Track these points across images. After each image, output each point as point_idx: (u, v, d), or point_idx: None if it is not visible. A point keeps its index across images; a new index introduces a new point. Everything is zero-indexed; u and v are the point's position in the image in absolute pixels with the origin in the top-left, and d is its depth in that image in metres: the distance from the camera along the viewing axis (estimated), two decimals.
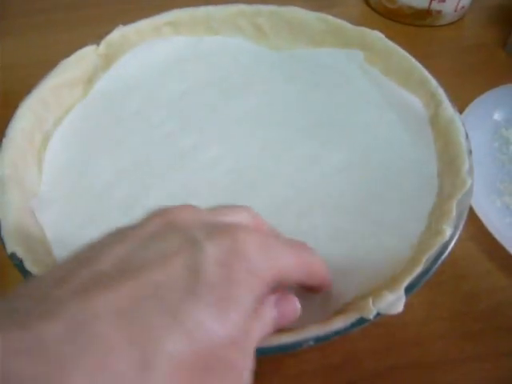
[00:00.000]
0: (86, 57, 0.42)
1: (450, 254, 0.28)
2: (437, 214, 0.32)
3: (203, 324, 0.18)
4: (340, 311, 0.27)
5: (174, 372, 0.17)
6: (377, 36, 0.43)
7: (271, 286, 0.22)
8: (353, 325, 0.25)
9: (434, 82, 0.39)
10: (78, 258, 0.20)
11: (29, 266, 0.27)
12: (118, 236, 0.21)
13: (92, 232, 0.33)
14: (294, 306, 0.24)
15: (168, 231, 0.21)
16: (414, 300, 0.27)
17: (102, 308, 0.17)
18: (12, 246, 0.28)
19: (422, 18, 0.58)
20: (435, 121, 0.37)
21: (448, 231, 0.28)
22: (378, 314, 0.25)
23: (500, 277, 0.36)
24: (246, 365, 0.20)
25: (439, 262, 0.28)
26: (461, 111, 0.44)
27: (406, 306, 0.26)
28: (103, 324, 0.16)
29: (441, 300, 0.34)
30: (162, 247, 0.20)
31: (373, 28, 0.56)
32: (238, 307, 0.19)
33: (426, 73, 0.39)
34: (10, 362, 0.15)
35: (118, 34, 0.44)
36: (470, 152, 0.33)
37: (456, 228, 0.29)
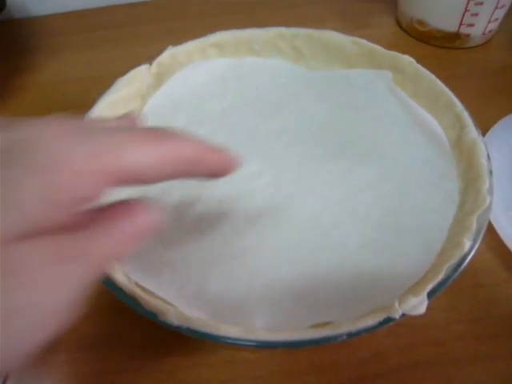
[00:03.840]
0: (139, 75, 0.45)
1: (468, 264, 0.31)
2: (458, 227, 0.35)
3: None
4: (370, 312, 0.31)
5: None
6: (408, 60, 0.45)
7: (108, 187, 0.18)
8: (380, 323, 0.28)
9: (459, 106, 0.41)
10: None
11: None
12: None
13: None
14: (142, 220, 0.20)
15: None
16: (435, 305, 0.30)
17: None
18: None
19: (451, 40, 0.61)
20: (460, 142, 0.40)
21: (467, 244, 0.31)
22: (403, 315, 0.28)
23: None
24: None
25: (459, 271, 0.31)
26: (485, 131, 0.47)
27: (428, 309, 0.29)
28: None
29: (460, 305, 0.37)
30: None
31: (404, 48, 0.59)
32: (14, 216, 0.16)
33: (452, 96, 0.42)
34: None
35: (168, 54, 0.47)
36: (491, 172, 0.36)
37: (475, 241, 0.32)
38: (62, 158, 0.17)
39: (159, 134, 0.20)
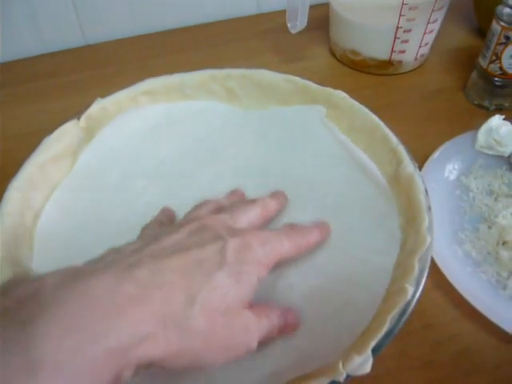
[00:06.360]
0: (68, 131, 0.44)
1: (413, 309, 0.30)
2: (401, 269, 0.34)
3: (224, 286, 0.28)
4: (314, 372, 0.29)
5: (204, 308, 0.26)
6: (340, 95, 0.45)
7: (272, 266, 0.32)
8: None
9: (394, 140, 0.40)
10: (143, 239, 0.32)
11: None
12: (171, 229, 0.32)
13: None
14: (297, 319, 0.33)
15: (203, 230, 0.31)
16: (385, 352, 0.29)
17: (170, 265, 0.27)
18: None
19: (385, 67, 0.61)
20: (397, 178, 0.39)
21: (410, 290, 0.30)
22: (348, 376, 0.27)
23: (465, 323, 0.38)
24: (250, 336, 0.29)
25: (402, 320, 0.30)
26: (424, 159, 0.47)
27: (379, 356, 0.28)
28: (171, 274, 0.27)
29: (411, 350, 0.36)
30: (201, 238, 0.30)
31: (339, 78, 0.59)
32: (247, 279, 0.29)
33: (387, 131, 0.41)
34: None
35: (98, 107, 0.46)
36: (430, 208, 0.35)
37: (418, 285, 0.31)
38: (260, 255, 0.31)
39: (292, 233, 0.35)
